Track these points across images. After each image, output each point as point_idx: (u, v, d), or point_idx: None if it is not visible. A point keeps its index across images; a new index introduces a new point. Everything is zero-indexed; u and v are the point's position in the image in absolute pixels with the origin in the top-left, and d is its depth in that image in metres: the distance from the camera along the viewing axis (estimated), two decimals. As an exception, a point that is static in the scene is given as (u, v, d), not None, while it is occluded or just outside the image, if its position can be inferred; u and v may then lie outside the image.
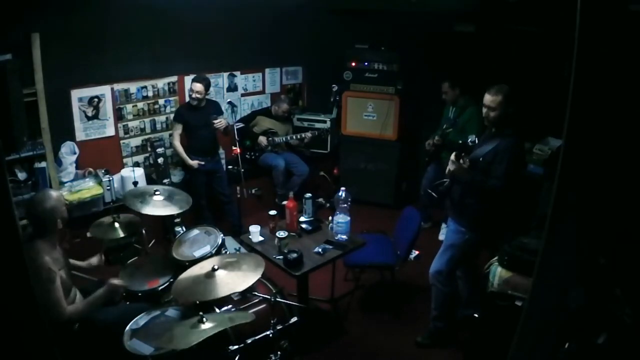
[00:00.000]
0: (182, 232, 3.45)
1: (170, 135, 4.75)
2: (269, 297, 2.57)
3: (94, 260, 3.04)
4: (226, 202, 4.67)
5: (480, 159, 2.92)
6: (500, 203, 3.04)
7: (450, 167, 2.92)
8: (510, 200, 3.21)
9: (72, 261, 2.87)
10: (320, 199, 5.25)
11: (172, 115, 4.98)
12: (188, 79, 5.02)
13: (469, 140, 2.98)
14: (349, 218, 3.28)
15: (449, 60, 4.88)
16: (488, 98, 2.87)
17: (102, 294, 2.64)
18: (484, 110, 2.92)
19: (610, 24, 1.08)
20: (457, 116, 4.38)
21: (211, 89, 5.16)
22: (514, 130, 2.91)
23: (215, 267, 2.50)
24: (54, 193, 2.62)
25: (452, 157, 2.90)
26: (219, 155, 4.77)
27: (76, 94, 4.31)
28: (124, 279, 2.93)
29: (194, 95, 4.36)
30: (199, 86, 4.34)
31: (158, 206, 3.16)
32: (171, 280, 2.94)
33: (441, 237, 4.69)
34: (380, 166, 5.34)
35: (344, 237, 3.25)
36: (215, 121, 4.48)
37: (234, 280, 2.45)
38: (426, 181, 4.71)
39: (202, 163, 4.50)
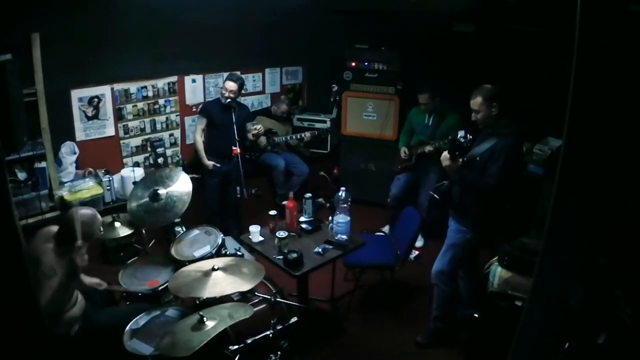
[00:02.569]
0: (182, 232, 3.45)
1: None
2: (269, 297, 2.57)
3: (97, 281, 2.92)
4: (234, 204, 4.47)
5: (477, 158, 2.93)
6: (500, 202, 3.04)
7: (443, 164, 2.93)
8: (509, 200, 3.21)
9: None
10: (320, 199, 5.24)
11: (172, 115, 4.99)
12: (188, 79, 5.03)
13: (460, 136, 2.99)
14: (349, 218, 3.27)
15: (448, 61, 4.88)
16: (471, 102, 2.95)
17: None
18: (472, 114, 2.98)
19: (610, 24, 1.08)
20: (438, 123, 4.29)
21: (211, 89, 5.18)
22: (512, 130, 2.92)
23: (216, 267, 2.50)
24: (99, 216, 2.62)
25: (445, 154, 2.91)
26: (236, 157, 4.19)
27: (76, 94, 4.31)
28: (123, 279, 2.93)
29: (227, 95, 4.19)
30: (233, 85, 4.19)
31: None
32: (171, 280, 2.94)
33: (418, 243, 4.59)
34: (380, 166, 5.34)
35: (344, 237, 3.25)
36: (255, 127, 4.45)
37: (232, 282, 2.44)
38: (396, 189, 4.57)
39: (218, 165, 4.35)
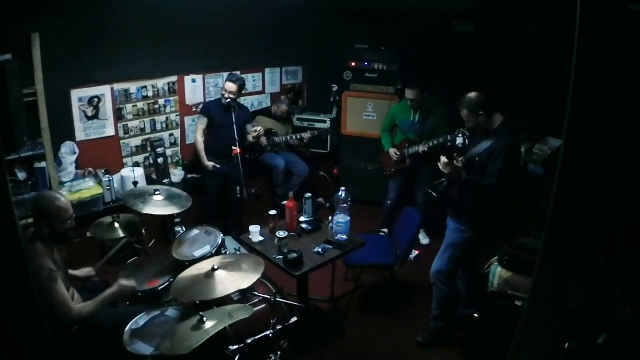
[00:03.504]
0: (182, 232, 3.45)
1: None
2: (269, 297, 2.57)
3: (88, 270, 2.98)
4: (234, 204, 4.47)
5: (476, 159, 2.94)
6: (499, 202, 3.05)
7: (444, 169, 2.94)
8: (508, 199, 3.21)
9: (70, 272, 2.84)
10: (320, 199, 5.25)
11: (172, 115, 4.99)
12: (188, 79, 5.03)
13: (458, 142, 3.02)
14: (349, 218, 3.28)
15: (448, 60, 4.88)
16: (461, 114, 3.01)
17: (111, 294, 2.61)
18: (466, 123, 3.03)
19: (610, 24, 1.08)
20: (424, 120, 4.26)
21: (211, 88, 5.18)
22: (509, 129, 2.93)
23: (215, 267, 2.50)
24: (60, 196, 2.61)
25: (444, 158, 2.92)
26: (236, 158, 4.13)
27: (76, 94, 4.31)
28: (123, 280, 2.93)
29: (227, 95, 4.20)
30: (233, 86, 4.20)
31: (159, 205, 3.16)
32: (171, 280, 2.94)
33: (424, 241, 4.67)
34: (380, 166, 5.34)
35: (344, 237, 3.25)
36: (255, 130, 4.45)
37: (234, 280, 2.45)
38: (394, 193, 4.53)
39: (218, 166, 4.36)
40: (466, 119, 2.98)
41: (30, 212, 2.54)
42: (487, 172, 2.87)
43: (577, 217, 1.23)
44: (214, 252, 3.03)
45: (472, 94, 2.95)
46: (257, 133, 4.54)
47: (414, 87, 4.17)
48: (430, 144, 4.07)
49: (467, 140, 3.03)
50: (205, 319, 2.22)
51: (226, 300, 2.69)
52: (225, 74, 5.23)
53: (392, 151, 4.43)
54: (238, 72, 4.64)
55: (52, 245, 2.54)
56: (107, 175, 4.38)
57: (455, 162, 2.91)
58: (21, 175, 3.89)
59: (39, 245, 2.44)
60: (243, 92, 4.47)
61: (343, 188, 3.35)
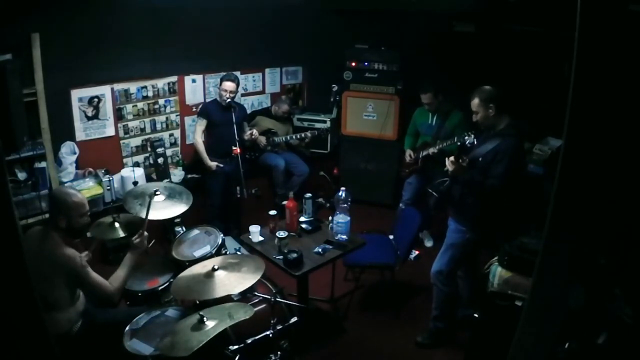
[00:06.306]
0: (182, 232, 3.44)
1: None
2: (269, 297, 2.57)
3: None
4: (234, 204, 4.51)
5: (480, 159, 2.93)
6: (500, 203, 3.05)
7: (449, 167, 2.94)
8: (510, 200, 3.21)
9: None
10: (320, 199, 5.25)
11: (172, 115, 4.99)
12: (188, 79, 5.03)
13: (467, 142, 3.00)
14: (349, 218, 3.27)
15: (448, 61, 4.88)
16: (471, 103, 2.99)
17: (131, 258, 2.67)
18: (473, 115, 3.01)
19: (610, 24, 1.08)
20: (442, 123, 4.24)
21: (211, 89, 5.18)
22: (515, 131, 2.92)
23: (216, 267, 2.50)
24: (77, 191, 2.63)
25: (451, 158, 2.91)
26: (237, 158, 4.23)
27: (76, 94, 4.31)
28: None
29: (227, 96, 4.19)
30: (232, 85, 4.22)
31: (160, 208, 3.14)
32: (171, 280, 2.94)
33: (428, 243, 4.69)
34: (380, 166, 5.34)
35: (344, 237, 3.25)
36: (249, 133, 4.47)
37: (232, 281, 2.45)
38: (408, 194, 4.53)
39: (222, 166, 4.36)
40: (475, 110, 2.96)
41: (29, 212, 2.54)
42: (491, 173, 2.87)
43: (577, 217, 1.23)
44: (214, 252, 3.03)
45: (488, 87, 2.95)
46: (253, 137, 4.55)
47: (426, 91, 4.16)
48: (440, 146, 4.04)
49: (475, 140, 3.02)
50: (205, 319, 2.22)
51: (226, 300, 2.69)
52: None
53: (408, 153, 4.44)
54: (233, 72, 4.64)
55: (67, 240, 2.54)
56: (107, 175, 4.38)
57: (461, 160, 2.91)
58: (21, 175, 3.90)
59: (56, 235, 2.45)
60: (243, 91, 4.47)
61: (343, 188, 3.35)
